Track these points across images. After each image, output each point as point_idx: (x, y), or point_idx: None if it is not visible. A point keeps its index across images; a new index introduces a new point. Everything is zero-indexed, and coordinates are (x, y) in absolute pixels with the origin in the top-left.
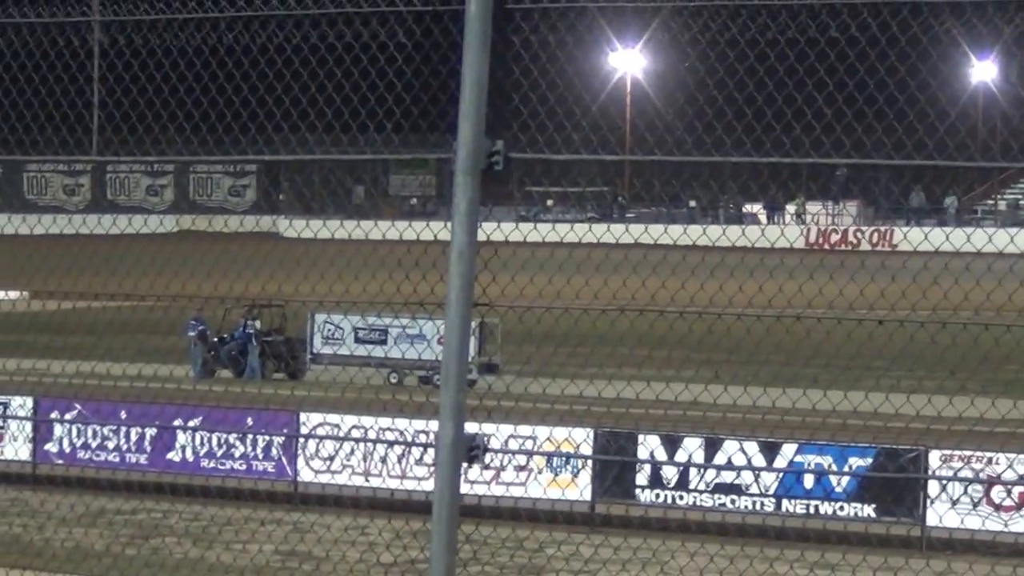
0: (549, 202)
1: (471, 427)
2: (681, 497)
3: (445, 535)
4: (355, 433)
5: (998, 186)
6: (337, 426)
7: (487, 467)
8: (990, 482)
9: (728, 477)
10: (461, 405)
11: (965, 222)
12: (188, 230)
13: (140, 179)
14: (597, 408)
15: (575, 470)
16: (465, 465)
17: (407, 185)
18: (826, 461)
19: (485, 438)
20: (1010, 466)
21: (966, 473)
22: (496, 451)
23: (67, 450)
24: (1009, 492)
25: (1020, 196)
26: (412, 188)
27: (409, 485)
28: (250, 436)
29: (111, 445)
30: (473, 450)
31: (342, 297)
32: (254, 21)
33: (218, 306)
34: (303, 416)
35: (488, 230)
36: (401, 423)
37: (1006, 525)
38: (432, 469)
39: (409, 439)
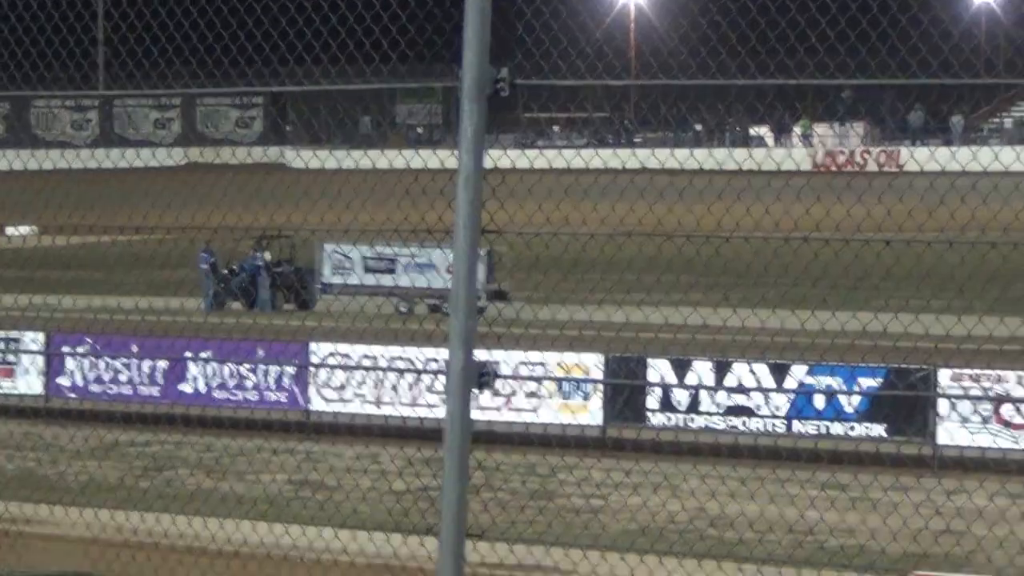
0: (555, 128)
1: (481, 354)
2: (692, 420)
3: (457, 461)
4: (366, 362)
5: (1004, 104)
6: (348, 355)
7: (498, 393)
8: (999, 400)
9: (739, 399)
10: (471, 332)
11: (971, 140)
12: (196, 163)
13: (147, 113)
14: (607, 333)
15: (586, 395)
16: (476, 391)
17: (413, 114)
18: (836, 382)
19: (495, 364)
20: (1019, 383)
21: (976, 391)
22: (506, 377)
23: (80, 384)
24: (1019, 409)
25: None
26: (418, 117)
27: (420, 412)
28: (262, 367)
29: (123, 378)
30: (483, 376)
31: (350, 227)
32: None
33: (228, 238)
34: (314, 346)
35: (495, 157)
36: (411, 351)
37: (1016, 442)
38: (443, 396)
39: (419, 367)
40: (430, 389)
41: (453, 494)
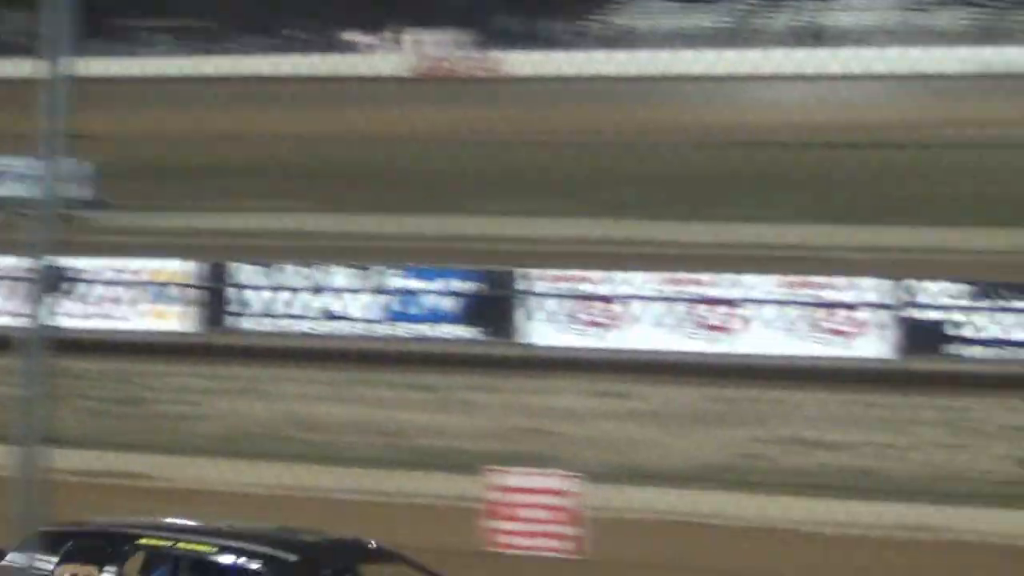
0: (146, 34)
1: (72, 261)
2: (283, 324)
3: (38, 368)
4: None
5: (604, 8)
6: None
7: (88, 302)
8: (587, 299)
9: (331, 304)
10: (50, 239)
11: (572, 45)
12: None
13: None
14: (203, 241)
15: (179, 302)
16: (54, 297)
17: (6, 21)
18: (428, 285)
19: (79, 271)
20: (607, 283)
21: (565, 291)
22: (91, 282)
23: None
24: (604, 310)
25: (626, 19)
26: (13, 24)
27: (5, 321)
28: None
29: None
30: (61, 281)
31: None
32: None
33: None
34: None
35: (86, 65)
36: None
37: (603, 341)
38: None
39: (5, 276)
40: (11, 297)
41: (36, 401)
